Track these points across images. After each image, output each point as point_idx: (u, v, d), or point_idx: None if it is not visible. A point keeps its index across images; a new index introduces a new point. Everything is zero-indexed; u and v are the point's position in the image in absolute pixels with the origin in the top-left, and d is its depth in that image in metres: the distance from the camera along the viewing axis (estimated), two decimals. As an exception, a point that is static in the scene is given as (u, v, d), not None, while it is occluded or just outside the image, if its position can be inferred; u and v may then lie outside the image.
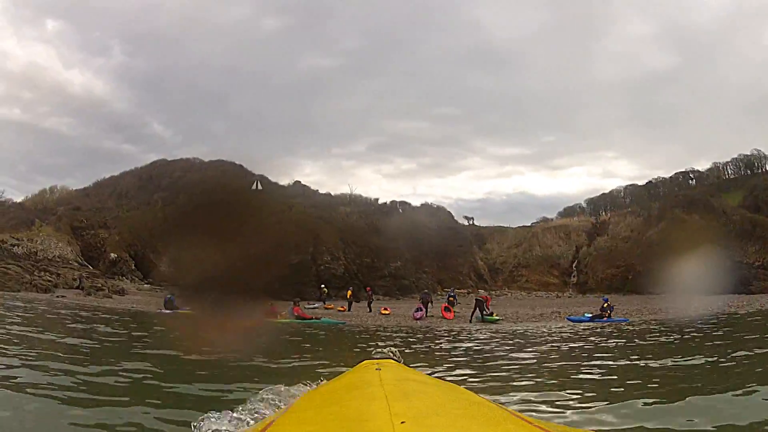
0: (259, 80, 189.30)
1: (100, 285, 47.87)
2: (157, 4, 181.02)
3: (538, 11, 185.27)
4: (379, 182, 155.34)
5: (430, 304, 39.47)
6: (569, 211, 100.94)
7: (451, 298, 40.21)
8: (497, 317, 35.10)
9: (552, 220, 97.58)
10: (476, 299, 37.04)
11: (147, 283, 60.64)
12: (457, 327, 29.76)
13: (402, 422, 2.08)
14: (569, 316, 34.97)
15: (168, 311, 32.56)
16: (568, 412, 7.04)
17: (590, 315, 33.31)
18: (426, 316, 37.79)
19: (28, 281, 44.51)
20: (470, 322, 34.12)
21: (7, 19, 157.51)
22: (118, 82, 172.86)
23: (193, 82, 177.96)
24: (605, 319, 31.98)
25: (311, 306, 46.54)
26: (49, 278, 49.01)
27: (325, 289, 53.12)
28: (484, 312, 34.74)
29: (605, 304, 33.50)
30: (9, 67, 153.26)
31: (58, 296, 40.16)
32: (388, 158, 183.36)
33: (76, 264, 60.13)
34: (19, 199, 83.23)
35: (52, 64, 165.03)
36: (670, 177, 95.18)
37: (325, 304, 49.66)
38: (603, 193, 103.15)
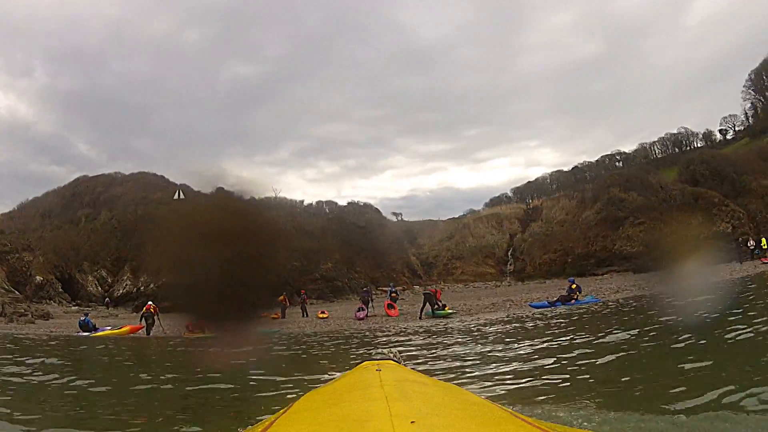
0: (183, 93, 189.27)
1: (22, 310, 46.56)
2: (78, 21, 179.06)
3: (460, 8, 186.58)
4: (303, 187, 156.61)
5: (371, 303, 38.73)
6: (496, 201, 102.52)
7: (393, 294, 39.95)
8: (450, 310, 33.64)
9: (480, 211, 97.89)
10: (425, 293, 35.64)
11: (75, 305, 59.05)
12: (407, 325, 28.78)
13: (412, 422, 2.00)
14: (532, 302, 33.26)
15: (85, 333, 31.08)
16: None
17: (553, 300, 31.94)
18: (368, 315, 36.89)
19: None
20: (420, 318, 33.03)
21: None
22: (42, 103, 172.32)
23: (117, 99, 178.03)
24: (574, 301, 30.85)
25: None
26: None
27: None
28: (435, 306, 33.46)
29: (572, 285, 32.11)
30: None
31: None
32: (311, 162, 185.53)
33: (2, 290, 58.03)
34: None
35: None
36: (596, 160, 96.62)
37: None
38: (529, 182, 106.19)
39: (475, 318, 28.83)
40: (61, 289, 64.34)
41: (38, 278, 63.56)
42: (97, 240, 71.51)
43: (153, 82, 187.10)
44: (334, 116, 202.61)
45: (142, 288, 63.04)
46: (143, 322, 32.07)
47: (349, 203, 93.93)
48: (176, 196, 74.00)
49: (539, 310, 29.47)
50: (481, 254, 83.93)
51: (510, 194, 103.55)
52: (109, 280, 68.94)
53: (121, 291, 66.68)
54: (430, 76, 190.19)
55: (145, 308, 33.04)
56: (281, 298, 45.36)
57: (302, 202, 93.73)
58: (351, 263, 77.91)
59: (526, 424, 2.33)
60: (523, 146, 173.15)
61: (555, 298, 32.19)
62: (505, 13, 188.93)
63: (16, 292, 60.25)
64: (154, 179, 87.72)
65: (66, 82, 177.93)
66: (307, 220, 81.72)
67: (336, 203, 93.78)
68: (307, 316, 42.69)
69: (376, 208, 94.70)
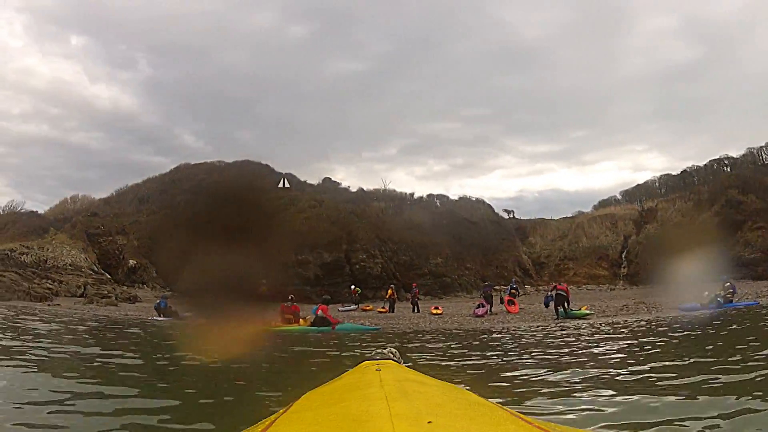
0: (288, 87, 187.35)
1: (106, 292, 44.91)
2: (180, 14, 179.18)
3: (562, 9, 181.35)
4: (411, 185, 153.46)
5: (492, 299, 35.46)
6: (604, 204, 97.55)
7: (513, 290, 37.15)
8: (587, 311, 30.11)
9: (588, 213, 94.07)
10: (557, 293, 30.65)
11: (169, 291, 56.72)
12: (540, 325, 25.02)
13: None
14: (682, 304, 28.77)
15: (161, 318, 28.10)
16: None
17: (706, 302, 28.04)
18: (490, 312, 33.60)
19: (24, 289, 41.15)
20: (557, 319, 28.81)
21: (31, 37, 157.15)
22: (146, 94, 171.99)
23: (221, 91, 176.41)
24: (732, 303, 27.70)
25: (346, 308, 42.02)
26: (50, 286, 46.69)
27: (357, 289, 48.86)
28: (567, 306, 29.74)
29: (726, 284, 28.62)
30: (34, 84, 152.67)
31: (51, 304, 37.89)
32: (419, 160, 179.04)
33: (91, 272, 58.81)
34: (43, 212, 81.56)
35: (78, 80, 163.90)
36: (704, 165, 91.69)
37: (360, 305, 45.17)
38: (638, 184, 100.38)
39: (615, 319, 25.61)
40: (155, 274, 63.04)
41: (131, 262, 63.72)
42: (196, 226, 68.33)
43: (257, 74, 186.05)
44: (441, 114, 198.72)
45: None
46: None
47: (460, 198, 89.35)
48: (281, 185, 72.46)
49: (692, 313, 26.30)
50: (594, 255, 79.57)
51: (618, 197, 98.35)
52: (206, 266, 66.18)
53: None
54: (534, 75, 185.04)
55: None
56: (389, 292, 41.21)
57: (412, 194, 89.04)
58: (461, 259, 74.33)
59: (526, 424, 2.34)
60: (630, 150, 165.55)
61: (708, 301, 28.33)
62: (607, 15, 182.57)
63: (106, 275, 60.66)
64: (258, 167, 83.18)
65: (170, 74, 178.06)
66: (417, 214, 78.29)
67: (447, 197, 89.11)
68: (418, 311, 39.23)
69: (489, 204, 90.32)
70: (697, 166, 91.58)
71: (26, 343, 12.79)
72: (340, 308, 41.39)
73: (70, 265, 58.22)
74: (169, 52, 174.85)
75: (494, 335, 19.83)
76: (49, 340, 14.22)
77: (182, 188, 78.07)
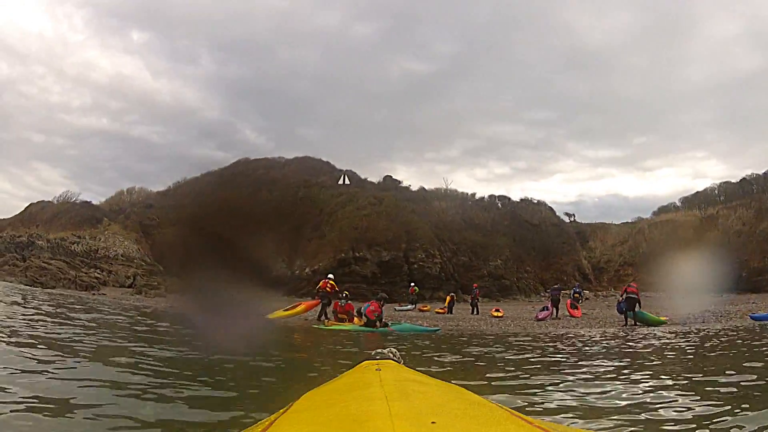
0: (352, 86, 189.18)
1: (156, 283, 44.65)
2: (245, 12, 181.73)
3: (627, 15, 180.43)
4: (472, 186, 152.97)
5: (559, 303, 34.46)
6: (664, 210, 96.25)
7: (576, 294, 37.08)
8: (662, 318, 27.88)
9: (647, 219, 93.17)
10: (628, 296, 28.42)
11: None
12: (609, 331, 23.43)
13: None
14: (752, 314, 27.32)
15: None
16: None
17: None
18: (555, 316, 32.94)
19: (70, 278, 40.86)
20: (626, 324, 27.28)
21: (92, 30, 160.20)
22: (208, 89, 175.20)
23: (285, 88, 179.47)
24: None
25: (403, 308, 41.32)
26: (98, 275, 46.25)
27: (416, 288, 47.98)
28: (639, 308, 27.81)
29: None
30: (94, 77, 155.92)
31: (95, 293, 38.91)
32: (481, 162, 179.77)
33: (143, 263, 59.58)
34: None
35: (139, 74, 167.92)
36: (764, 173, 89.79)
37: (417, 306, 44.35)
38: (697, 192, 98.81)
39: (686, 329, 23.11)
40: (211, 266, 61.52)
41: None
42: (253, 221, 68.30)
43: (321, 72, 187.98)
44: (504, 116, 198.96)
45: (297, 272, 60.21)
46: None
47: (522, 200, 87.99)
48: (341, 181, 72.12)
49: (765, 322, 24.77)
50: (654, 262, 76.29)
51: (678, 203, 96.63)
52: (262, 263, 66.20)
53: (273, 274, 62.40)
54: (598, 80, 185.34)
55: (321, 283, 29.19)
56: (447, 299, 40.87)
57: (473, 195, 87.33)
58: (521, 262, 73.22)
59: (527, 423, 2.34)
60: (690, 157, 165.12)
61: None
62: (672, 22, 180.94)
63: (159, 266, 59.05)
64: (319, 164, 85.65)
65: (233, 70, 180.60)
66: (477, 214, 77.71)
67: (509, 198, 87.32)
68: (477, 313, 38.38)
69: (550, 207, 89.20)
70: (756, 174, 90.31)
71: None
72: (397, 308, 40.90)
73: (122, 255, 59.47)
74: (233, 49, 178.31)
75: (561, 343, 18.00)
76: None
77: (240, 183, 77.87)
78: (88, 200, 79.44)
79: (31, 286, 39.17)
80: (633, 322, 27.22)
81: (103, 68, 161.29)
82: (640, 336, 19.83)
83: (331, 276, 29.95)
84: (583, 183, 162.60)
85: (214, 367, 9.42)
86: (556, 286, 37.38)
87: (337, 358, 13.42)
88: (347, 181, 76.31)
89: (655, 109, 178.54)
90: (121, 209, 76.85)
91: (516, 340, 18.95)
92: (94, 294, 37.75)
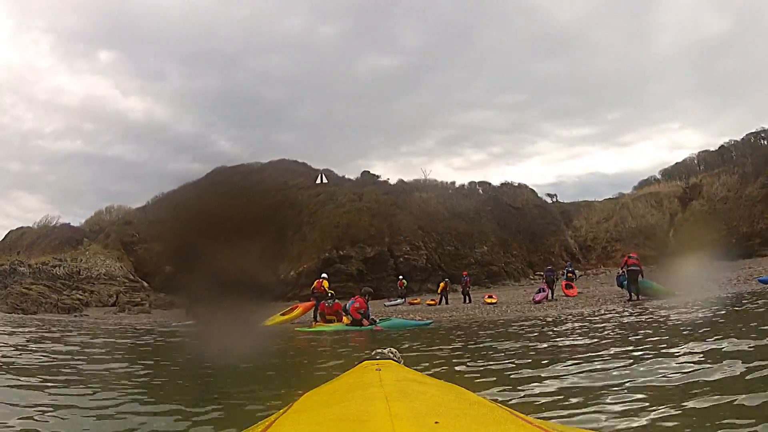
0: (323, 86, 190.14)
1: (138, 300, 44.69)
2: (209, 25, 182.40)
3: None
4: (450, 176, 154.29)
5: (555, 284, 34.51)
6: (644, 184, 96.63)
7: (570, 274, 37.04)
8: (664, 287, 26.86)
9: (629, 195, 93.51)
10: (629, 268, 27.42)
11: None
12: (612, 308, 22.80)
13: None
14: (760, 277, 27.83)
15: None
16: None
17: None
18: (552, 297, 32.51)
19: (52, 302, 40.91)
20: (630, 299, 26.38)
21: (58, 56, 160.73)
22: (179, 104, 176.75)
23: (256, 96, 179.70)
24: None
25: (392, 303, 40.99)
26: (80, 296, 47.50)
27: (404, 281, 47.03)
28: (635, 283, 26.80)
29: None
30: (65, 101, 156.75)
31: (78, 315, 38.98)
32: (457, 151, 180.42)
33: (126, 280, 60.99)
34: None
35: (110, 94, 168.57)
36: (741, 139, 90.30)
37: (407, 299, 43.79)
38: (676, 163, 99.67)
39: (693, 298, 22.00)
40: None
41: (167, 268, 60.54)
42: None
43: (291, 77, 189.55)
44: (476, 103, 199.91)
45: (282, 276, 58.55)
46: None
47: (502, 184, 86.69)
48: (319, 181, 72.47)
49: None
50: (641, 236, 76.28)
51: (658, 176, 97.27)
52: (246, 270, 66.63)
53: (261, 280, 62.51)
54: (567, 58, 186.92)
55: (316, 284, 28.18)
56: (441, 286, 40.75)
57: (453, 183, 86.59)
58: (507, 246, 72.74)
59: (527, 423, 2.31)
60: (665, 128, 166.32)
61: None
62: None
63: (144, 283, 61.68)
64: (295, 165, 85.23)
65: (201, 83, 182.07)
66: (459, 202, 76.93)
67: (489, 183, 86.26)
68: (470, 302, 37.86)
69: (532, 189, 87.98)
70: (734, 140, 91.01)
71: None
72: (387, 303, 40.48)
73: (104, 274, 59.54)
74: (199, 62, 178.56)
75: (566, 325, 17.10)
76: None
77: (218, 192, 77.92)
78: (67, 222, 79.58)
79: (10, 313, 38.76)
80: (636, 297, 26.34)
81: (73, 91, 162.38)
82: (649, 309, 19.43)
83: (324, 275, 29.15)
84: (562, 163, 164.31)
85: (211, 372, 9.37)
86: (549, 267, 37.25)
87: (335, 359, 12.87)
88: (325, 180, 76.13)
89: (627, 83, 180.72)
90: (101, 228, 76.78)
91: (519, 327, 18.00)
92: (76, 316, 37.62)
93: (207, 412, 6.32)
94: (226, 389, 7.98)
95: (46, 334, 20.13)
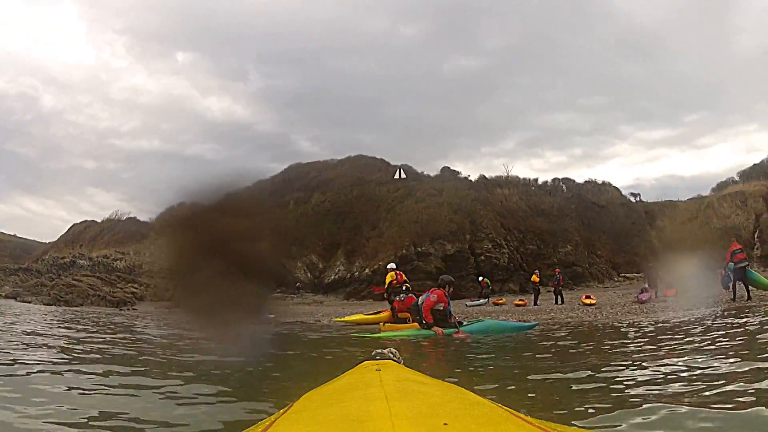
0: (405, 87, 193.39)
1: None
2: (290, 24, 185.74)
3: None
4: (531, 177, 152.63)
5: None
6: (723, 186, 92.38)
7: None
8: None
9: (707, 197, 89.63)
10: (738, 266, 22.84)
11: (279, 292, 54.56)
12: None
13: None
14: None
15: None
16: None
17: None
18: (656, 297, 30.20)
19: (101, 294, 39.56)
20: (734, 299, 22.37)
21: (135, 55, 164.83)
22: (259, 103, 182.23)
23: (337, 95, 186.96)
24: None
25: (474, 303, 38.50)
26: (134, 289, 48.82)
27: (487, 280, 44.72)
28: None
29: None
30: (142, 101, 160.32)
31: (125, 309, 38.63)
32: (537, 153, 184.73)
33: None
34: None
35: (188, 94, 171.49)
36: None
37: (491, 299, 41.50)
38: (754, 164, 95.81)
39: None
40: (259, 275, 60.98)
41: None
42: (307, 224, 68.42)
43: (373, 77, 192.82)
44: (558, 105, 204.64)
45: (356, 273, 60.24)
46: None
47: (586, 181, 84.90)
48: (397, 176, 74.60)
49: None
50: (726, 237, 72.56)
51: (737, 178, 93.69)
52: (320, 266, 67.04)
53: (332, 277, 64.10)
54: (648, 61, 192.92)
55: (397, 277, 24.22)
56: (533, 278, 41.20)
57: (536, 180, 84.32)
58: (591, 246, 70.27)
59: (527, 423, 2.31)
60: (742, 131, 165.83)
61: None
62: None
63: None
64: (372, 161, 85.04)
65: (283, 83, 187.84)
66: (542, 199, 75.01)
67: (573, 180, 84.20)
68: (563, 302, 35.47)
69: (616, 187, 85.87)
70: None
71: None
72: (469, 303, 38.05)
73: (166, 268, 55.63)
74: (280, 62, 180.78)
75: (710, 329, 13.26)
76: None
77: (293, 186, 78.86)
78: (133, 216, 79.69)
79: (52, 305, 38.37)
80: (747, 296, 22.21)
81: (150, 91, 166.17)
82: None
83: (391, 265, 25.59)
84: (640, 166, 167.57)
85: (217, 370, 8.75)
86: (651, 265, 36.97)
87: (336, 359, 11.31)
88: (404, 175, 74.06)
89: (705, 85, 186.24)
90: (169, 223, 74.72)
91: (649, 331, 13.93)
92: (121, 310, 37.19)
93: (205, 412, 5.70)
94: (225, 388, 7.16)
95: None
